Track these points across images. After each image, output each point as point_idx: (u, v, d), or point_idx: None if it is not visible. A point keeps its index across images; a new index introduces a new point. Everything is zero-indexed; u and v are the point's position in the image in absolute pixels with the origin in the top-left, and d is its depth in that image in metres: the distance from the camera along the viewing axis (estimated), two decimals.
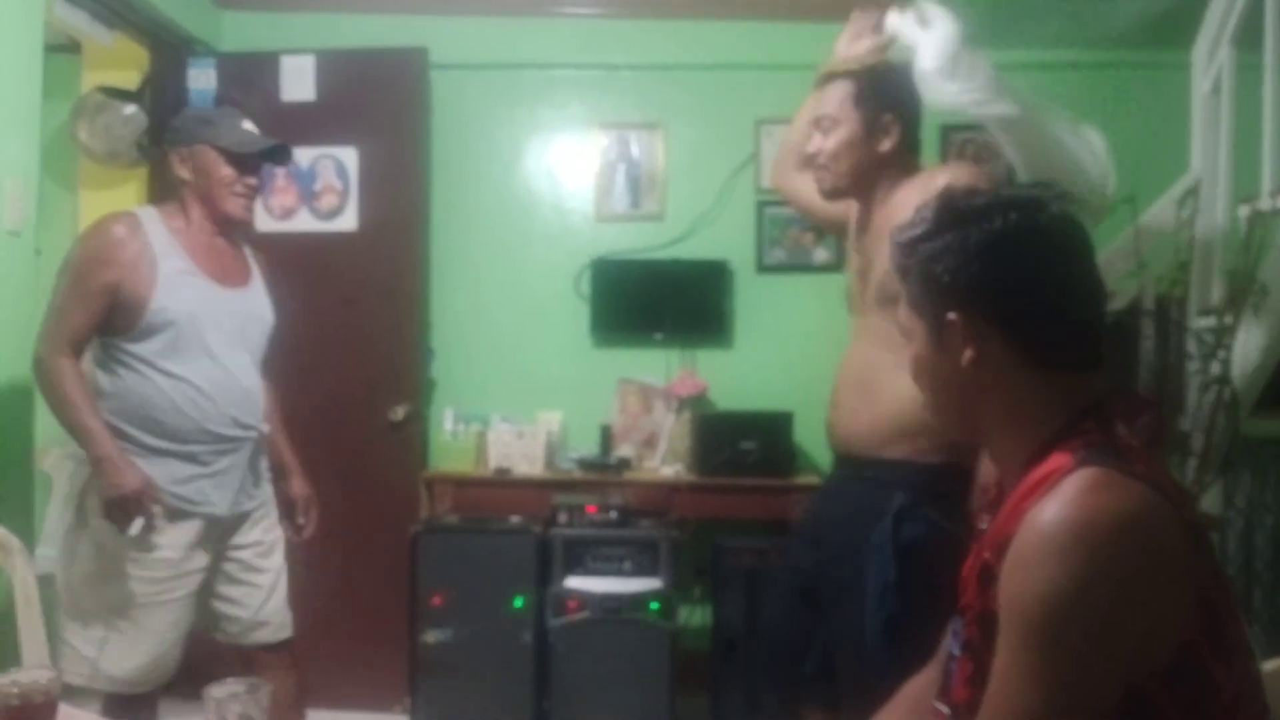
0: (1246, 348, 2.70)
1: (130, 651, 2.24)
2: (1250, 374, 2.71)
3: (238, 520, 2.38)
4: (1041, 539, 1.01)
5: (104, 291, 2.19)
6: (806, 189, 2.34)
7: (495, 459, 3.62)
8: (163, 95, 3.68)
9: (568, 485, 3.50)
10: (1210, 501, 2.91)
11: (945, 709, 1.21)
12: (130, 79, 3.73)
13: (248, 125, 2.38)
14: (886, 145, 2.02)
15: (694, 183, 3.90)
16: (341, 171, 3.64)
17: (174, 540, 2.25)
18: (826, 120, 2.05)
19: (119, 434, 2.21)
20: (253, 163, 2.36)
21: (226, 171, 2.31)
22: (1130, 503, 1.01)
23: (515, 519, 3.27)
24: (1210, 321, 2.84)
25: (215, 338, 2.28)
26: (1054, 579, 0.99)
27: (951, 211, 1.17)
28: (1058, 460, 1.07)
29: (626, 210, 3.94)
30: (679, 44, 3.89)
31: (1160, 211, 3.04)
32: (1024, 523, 1.04)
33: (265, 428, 2.41)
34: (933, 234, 1.17)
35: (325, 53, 3.64)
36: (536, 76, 3.96)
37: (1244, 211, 2.82)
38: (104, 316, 2.20)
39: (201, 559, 2.31)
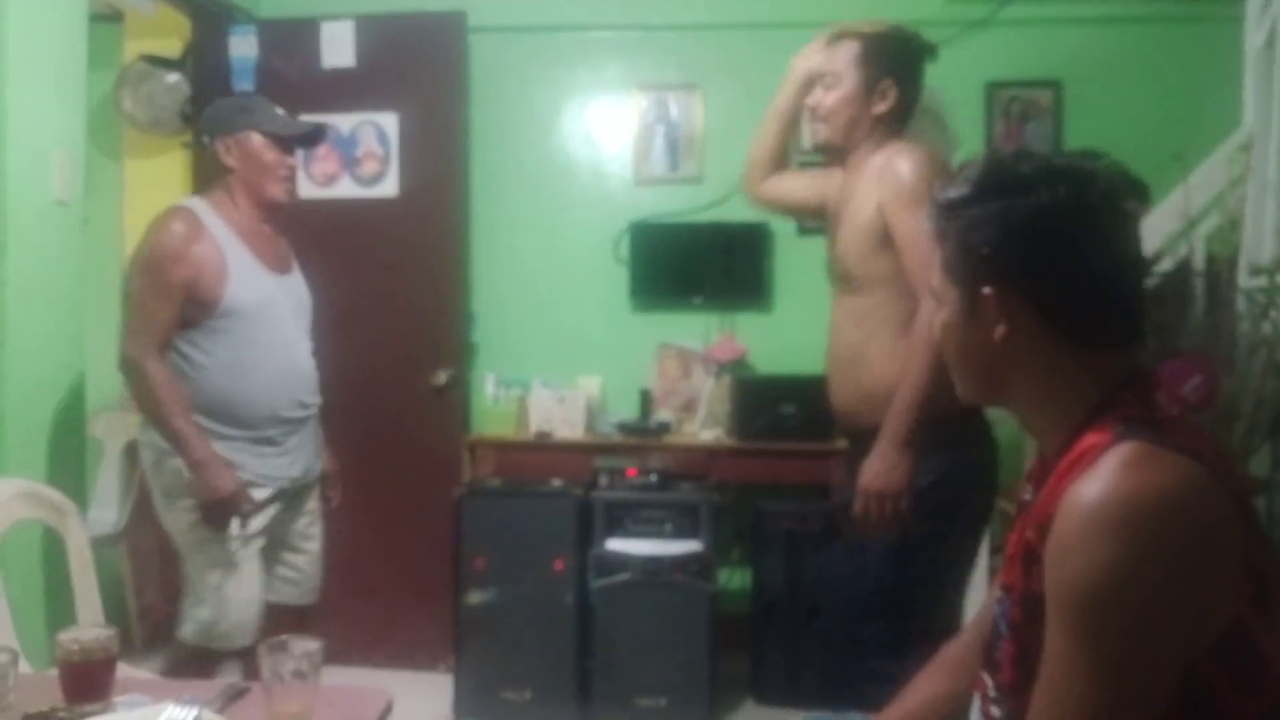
0: None
1: (238, 607, 2.36)
2: None
3: (308, 487, 2.53)
4: (1083, 520, 0.99)
5: (181, 287, 2.27)
6: (784, 186, 2.51)
7: (536, 423, 3.65)
8: (204, 63, 3.71)
9: (608, 449, 3.52)
10: (1258, 465, 2.87)
11: (989, 680, 1.19)
12: (172, 47, 3.76)
13: (280, 110, 2.47)
14: (881, 108, 2.16)
15: (733, 144, 3.83)
16: (382, 137, 3.65)
17: (261, 506, 2.37)
18: (830, 76, 2.20)
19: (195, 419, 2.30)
20: (291, 145, 2.45)
21: (271, 156, 2.39)
22: (1171, 476, 0.98)
23: (556, 482, 3.29)
24: (1262, 281, 2.78)
25: (279, 325, 2.40)
26: (1098, 562, 0.96)
27: (997, 178, 1.13)
28: (1096, 436, 1.05)
29: (665, 173, 3.92)
30: (717, 3, 3.85)
31: (1211, 169, 2.97)
32: (1063, 502, 1.01)
33: (318, 403, 2.52)
34: (974, 199, 1.14)
35: (364, 18, 3.65)
36: (574, 39, 3.94)
37: None
38: (183, 312, 2.28)
39: (273, 522, 2.44)
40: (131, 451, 3.70)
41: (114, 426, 3.74)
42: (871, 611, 2.16)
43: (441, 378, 3.57)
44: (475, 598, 3.15)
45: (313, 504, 2.59)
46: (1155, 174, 3.18)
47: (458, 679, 3.20)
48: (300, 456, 2.45)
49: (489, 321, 3.92)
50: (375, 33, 3.63)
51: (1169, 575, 0.96)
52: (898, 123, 2.20)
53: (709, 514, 3.16)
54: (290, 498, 2.48)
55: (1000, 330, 1.12)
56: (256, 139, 2.38)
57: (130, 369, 2.28)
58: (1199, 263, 2.96)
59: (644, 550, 3.14)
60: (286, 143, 2.42)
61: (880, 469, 2.01)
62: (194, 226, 2.30)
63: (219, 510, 2.26)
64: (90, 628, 1.44)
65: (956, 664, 1.38)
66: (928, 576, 2.09)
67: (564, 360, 3.87)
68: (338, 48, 3.63)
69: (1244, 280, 2.85)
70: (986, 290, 1.12)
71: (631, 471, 3.26)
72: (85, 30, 2.74)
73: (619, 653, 3.13)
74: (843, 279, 2.22)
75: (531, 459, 3.58)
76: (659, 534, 3.16)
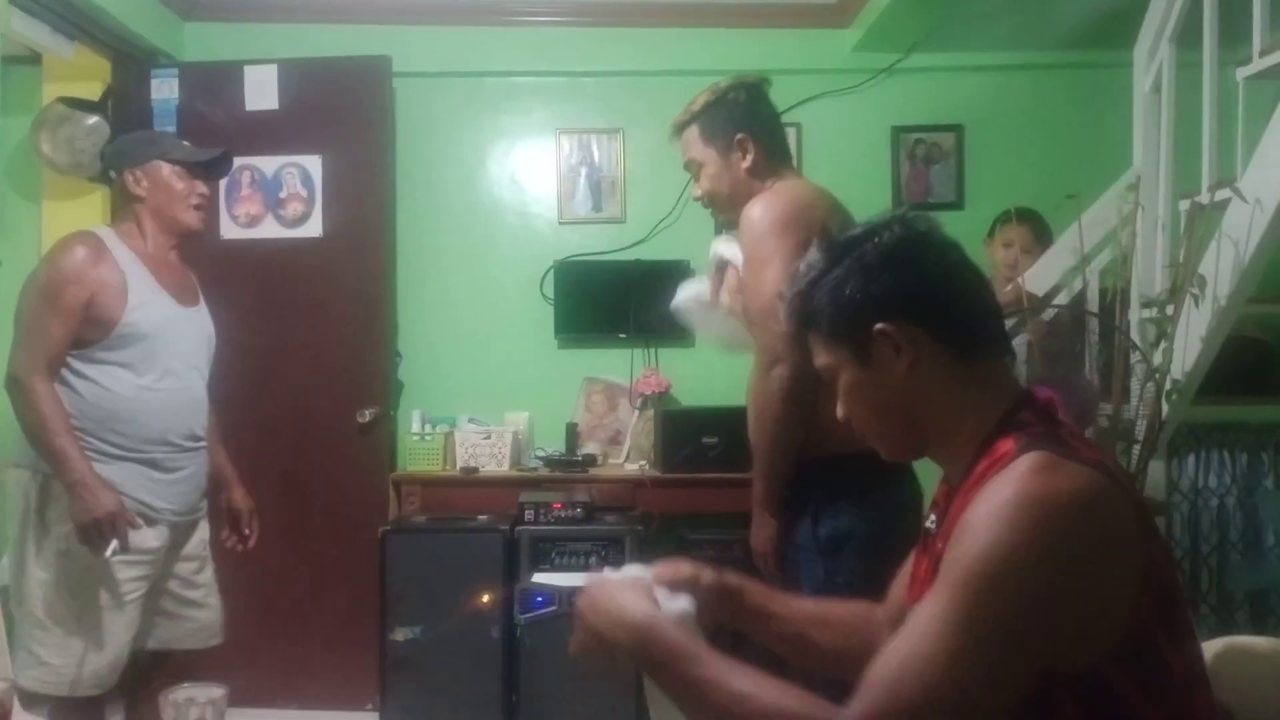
0: (1188, 338, 2.78)
1: (99, 654, 2.29)
2: (1193, 363, 2.79)
3: (190, 527, 2.49)
4: (988, 510, 1.02)
5: (77, 309, 2.27)
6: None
7: (463, 459, 3.67)
8: (125, 106, 3.70)
9: (534, 483, 3.56)
10: (1154, 487, 3.00)
11: None
12: (92, 90, 3.74)
13: (186, 144, 2.52)
14: (747, 162, 2.18)
15: (654, 186, 3.97)
16: (306, 179, 3.68)
17: (143, 543, 2.32)
18: (692, 165, 2.25)
19: (82, 437, 2.27)
20: (201, 173, 2.48)
21: (181, 184, 2.43)
22: (1077, 483, 1.02)
23: (483, 517, 3.32)
24: (1152, 313, 2.92)
25: (176, 353, 2.40)
26: (999, 541, 0.99)
27: (837, 244, 1.23)
28: (1004, 446, 1.09)
29: (589, 213, 4.00)
30: (639, 51, 3.96)
31: (1103, 207, 3.13)
32: (974, 502, 1.05)
33: (205, 440, 2.51)
34: (829, 268, 1.21)
35: (288, 62, 3.68)
36: (499, 84, 4.02)
37: (1184, 205, 2.91)
38: (77, 333, 2.28)
39: (156, 565, 2.39)
40: None
41: (21, 477, 3.65)
42: None
43: (367, 415, 3.58)
44: (401, 634, 3.15)
45: (198, 547, 2.54)
46: (1052, 212, 3.38)
47: (383, 717, 3.18)
48: (186, 490, 2.44)
49: (416, 359, 3.94)
50: (299, 76, 3.66)
51: (1058, 573, 0.98)
52: (771, 164, 2.22)
53: (634, 545, 3.21)
54: (175, 533, 2.44)
55: (905, 361, 1.16)
56: (165, 168, 2.42)
57: (15, 386, 2.26)
58: (1093, 295, 3.11)
59: (570, 583, 3.16)
60: (195, 170, 2.46)
61: (753, 529, 2.13)
62: (97, 250, 2.32)
63: (96, 530, 2.21)
64: None
65: (860, 619, 1.39)
66: None
67: (491, 396, 3.90)
68: (261, 91, 3.65)
69: (1135, 312, 3.00)
70: (879, 326, 1.16)
71: (557, 505, 3.29)
72: (0, 73, 2.73)
73: (546, 686, 3.14)
74: (744, 316, 2.25)
75: (458, 495, 3.59)
76: (585, 566, 3.20)
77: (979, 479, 1.09)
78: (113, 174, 2.47)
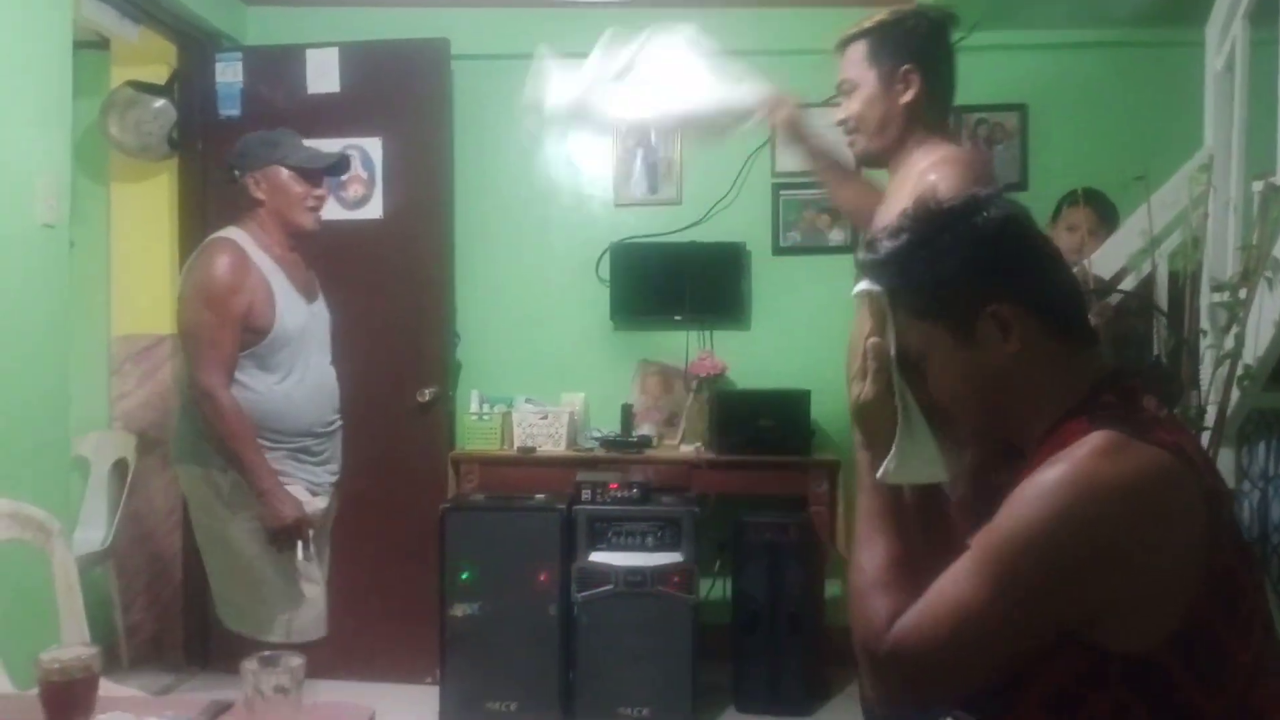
0: (1260, 321, 2.72)
1: (303, 607, 2.52)
2: (1265, 348, 2.73)
3: (334, 489, 2.69)
4: (1040, 480, 1.03)
5: (240, 317, 2.41)
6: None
7: (520, 439, 3.70)
8: (191, 89, 3.77)
9: (590, 463, 3.58)
10: (1224, 474, 2.94)
11: None
12: (158, 74, 3.81)
13: (306, 143, 2.60)
14: (909, 97, 1.96)
15: (711, 168, 3.95)
16: (367, 161, 3.72)
17: (316, 506, 2.55)
18: (847, 84, 2.03)
19: None
20: (318, 175, 2.57)
21: (299, 188, 2.52)
22: (1135, 465, 1.01)
23: (540, 496, 3.35)
24: (1224, 297, 2.86)
25: (312, 349, 2.56)
26: (1033, 514, 1.02)
27: (939, 214, 1.18)
28: (1077, 426, 1.08)
29: (645, 196, 4.00)
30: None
31: (1173, 188, 3.06)
32: (1031, 474, 1.06)
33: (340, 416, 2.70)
34: (925, 238, 1.17)
35: (349, 45, 3.71)
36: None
37: (1257, 187, 2.84)
38: (242, 338, 2.42)
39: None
40: (119, 469, 3.74)
41: (102, 445, 3.78)
42: None
43: (426, 395, 3.63)
44: (461, 610, 3.20)
45: (334, 507, 2.73)
46: (1119, 194, 3.31)
47: (443, 691, 3.24)
48: (333, 464, 2.65)
49: (473, 340, 3.98)
50: (360, 59, 3.70)
51: (1091, 550, 1.00)
52: (936, 112, 2.01)
53: (690, 526, 3.22)
54: (329, 497, 2.65)
55: (1013, 344, 1.13)
56: (284, 173, 2.50)
57: (204, 400, 2.40)
58: (1162, 279, 3.05)
59: (626, 562, 3.19)
60: (312, 174, 2.54)
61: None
62: (241, 257, 2.43)
63: (284, 535, 2.42)
64: (71, 647, 1.42)
65: None
66: None
67: (547, 377, 3.93)
68: (323, 74, 3.69)
69: (1206, 296, 2.94)
70: (991, 308, 1.13)
71: (614, 485, 3.31)
72: (70, 57, 2.80)
73: (602, 663, 3.17)
74: None
75: (515, 474, 3.63)
76: (641, 546, 3.22)
77: (1049, 452, 1.08)
78: (236, 174, 2.53)
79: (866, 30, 2.02)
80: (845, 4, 3.86)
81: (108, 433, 3.81)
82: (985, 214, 1.16)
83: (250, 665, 1.32)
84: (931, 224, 1.18)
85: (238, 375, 2.43)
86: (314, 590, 2.54)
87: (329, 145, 3.60)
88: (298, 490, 2.49)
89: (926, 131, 1.97)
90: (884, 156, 2.02)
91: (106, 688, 1.44)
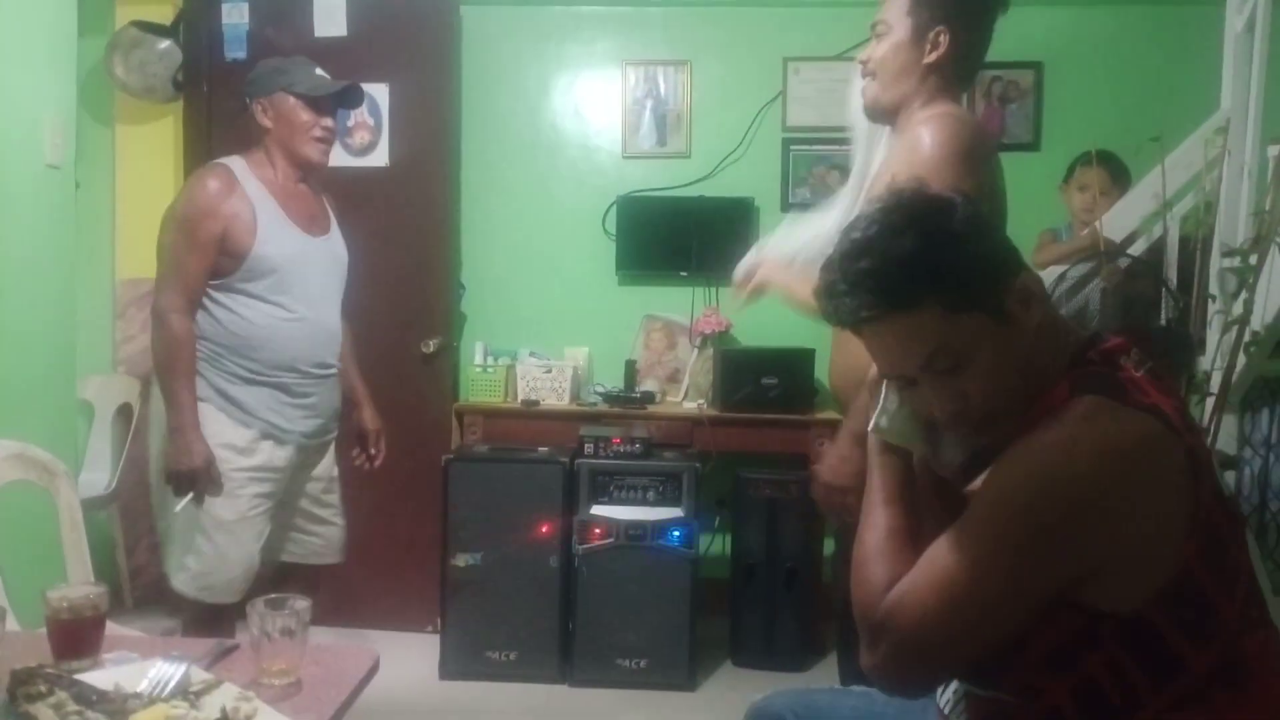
0: (1270, 288, 2.70)
1: (228, 564, 2.39)
2: (1273, 315, 2.72)
3: (321, 448, 2.57)
4: (1025, 449, 1.06)
5: (212, 242, 2.33)
6: None
7: (524, 391, 3.71)
8: (196, 30, 3.73)
9: (593, 418, 3.59)
10: (1226, 441, 2.94)
11: None
12: (164, 14, 3.77)
13: (320, 71, 2.49)
14: (933, 57, 1.95)
15: (721, 120, 3.91)
16: (374, 108, 3.67)
17: (270, 461, 2.42)
18: (882, 25, 2.01)
19: (217, 360, 2.36)
20: (327, 106, 2.47)
21: (305, 116, 2.43)
22: (1122, 430, 1.04)
23: (543, 449, 3.36)
24: (1234, 262, 2.84)
25: (308, 283, 2.45)
26: (1025, 478, 1.04)
27: (926, 209, 1.15)
28: (1059, 391, 1.11)
29: (653, 148, 3.96)
30: None
31: (1188, 150, 3.03)
32: (1020, 441, 1.08)
33: (339, 366, 2.58)
34: (938, 230, 1.12)
35: None
36: (565, 13, 3.97)
37: (1273, 151, 2.81)
38: (214, 264, 2.34)
39: (282, 483, 2.47)
40: (124, 414, 3.75)
41: (106, 389, 3.78)
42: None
43: (431, 346, 3.62)
44: (462, 560, 3.22)
45: (327, 467, 2.62)
46: (1132, 155, 3.28)
47: (444, 639, 3.27)
48: (314, 415, 2.50)
49: (478, 291, 3.97)
50: (368, 3, 3.64)
51: (1082, 513, 1.02)
52: (954, 80, 2.00)
53: (691, 481, 3.23)
54: (303, 454, 2.51)
55: (1037, 312, 1.13)
56: (290, 100, 2.42)
57: (156, 320, 2.34)
58: (1173, 242, 3.03)
59: (627, 516, 3.21)
60: (320, 103, 2.45)
61: (833, 461, 1.89)
62: (228, 182, 2.36)
63: (179, 480, 2.31)
64: (79, 585, 1.43)
65: None
66: None
67: (552, 331, 3.93)
68: (330, 17, 3.64)
69: (1216, 261, 2.92)
70: (1018, 282, 1.13)
71: (617, 440, 3.32)
72: None
73: (602, 615, 3.20)
74: None
75: (518, 426, 3.64)
76: (642, 500, 3.23)
77: (1029, 423, 1.10)
78: (246, 100, 2.46)
79: None
80: None
81: (112, 376, 3.82)
82: (960, 201, 1.16)
83: (256, 607, 1.32)
84: (927, 220, 1.13)
85: (219, 297, 2.35)
86: (236, 552, 2.38)
87: None
88: (248, 437, 2.38)
89: (936, 93, 1.96)
90: (891, 110, 2.01)
91: (111, 628, 1.44)
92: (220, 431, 2.36)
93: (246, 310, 2.37)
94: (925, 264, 1.09)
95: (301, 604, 1.34)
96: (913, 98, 1.97)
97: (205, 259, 2.33)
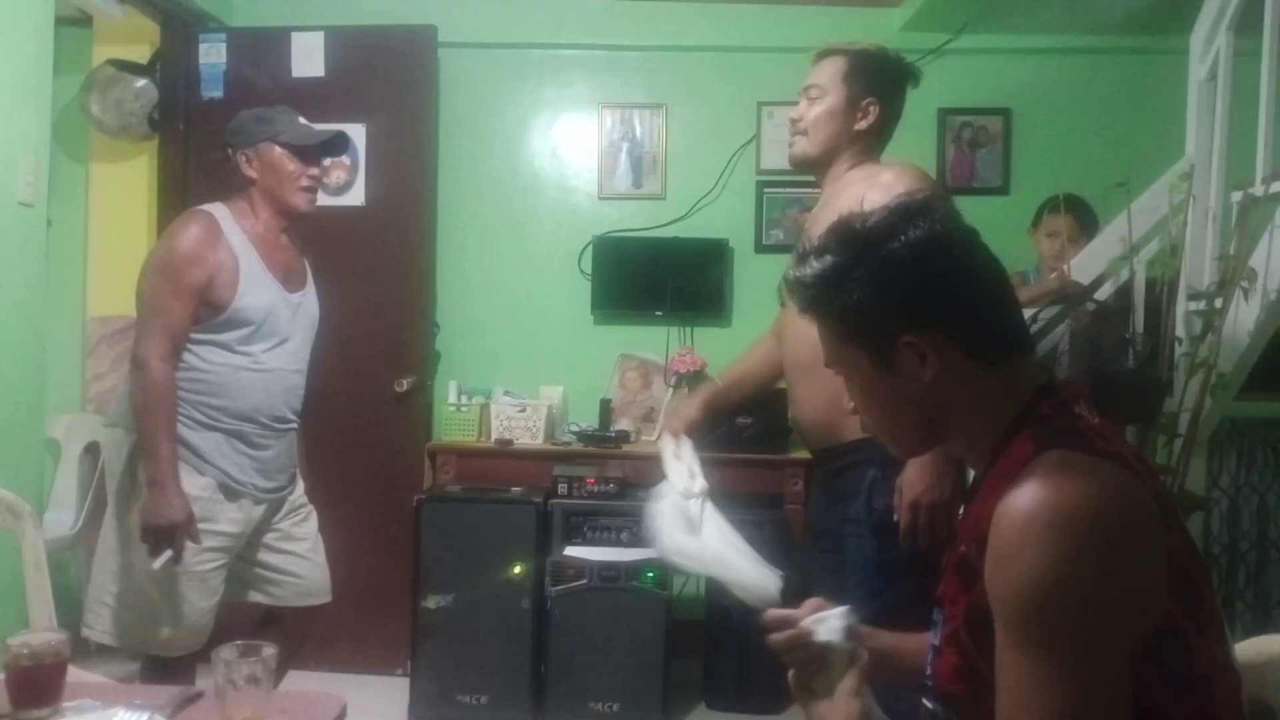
0: (1235, 331, 2.74)
1: (176, 621, 2.32)
2: (1238, 357, 2.75)
3: (278, 503, 2.51)
4: (1015, 529, 1.01)
5: (196, 288, 2.29)
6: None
7: (497, 430, 3.69)
8: (173, 69, 3.74)
9: (567, 457, 3.57)
10: (1195, 482, 2.97)
11: (931, 704, 1.19)
12: (141, 53, 3.77)
13: (304, 120, 2.48)
14: (863, 125, 2.16)
15: (696, 163, 3.95)
16: (350, 148, 3.68)
17: (229, 517, 2.36)
18: (815, 89, 2.19)
19: (177, 404, 2.30)
20: (314, 155, 2.46)
21: (292, 166, 2.41)
22: (1094, 479, 1.01)
23: (516, 489, 3.34)
24: (1200, 305, 2.88)
25: (276, 338, 2.42)
26: (1036, 567, 0.98)
27: (858, 237, 1.16)
28: (1019, 447, 1.08)
29: (629, 189, 3.99)
30: (682, 26, 3.94)
31: (1154, 196, 3.08)
32: (995, 515, 1.04)
33: (298, 421, 2.54)
34: (851, 263, 1.15)
35: (335, 29, 3.69)
36: (543, 56, 4.01)
37: (1236, 197, 2.86)
38: (196, 312, 2.30)
39: (242, 536, 2.42)
40: (91, 453, 3.70)
41: (74, 428, 3.74)
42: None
43: (405, 384, 3.61)
44: (433, 602, 3.18)
45: (292, 508, 2.56)
46: (1100, 200, 3.33)
47: (414, 683, 3.22)
48: (271, 469, 2.46)
49: (454, 330, 3.96)
50: (346, 44, 3.67)
51: (1104, 571, 0.98)
52: (876, 143, 2.20)
53: None
54: (262, 511, 2.47)
55: (929, 371, 1.13)
56: (276, 149, 2.40)
57: (141, 368, 2.28)
58: (1140, 286, 3.07)
59: (601, 557, 3.19)
60: (307, 152, 2.44)
61: (928, 480, 1.92)
62: (212, 230, 2.33)
63: (155, 536, 2.23)
64: (41, 632, 1.41)
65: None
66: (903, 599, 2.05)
67: (527, 369, 3.92)
68: (308, 58, 3.66)
69: (1183, 304, 2.96)
70: (906, 339, 1.12)
71: (591, 480, 3.31)
72: (52, 33, 2.76)
73: (574, 658, 3.17)
74: None
75: (492, 466, 3.62)
76: (616, 541, 3.22)
77: (999, 477, 1.08)
78: (229, 151, 2.44)
79: (849, 51, 2.20)
80: (824, 3, 3.88)
81: (80, 415, 3.78)
82: (904, 237, 1.14)
83: (222, 654, 1.30)
84: (849, 248, 1.16)
85: (191, 348, 2.32)
86: (205, 601, 2.34)
87: None
88: (208, 488, 2.32)
89: (862, 154, 2.17)
90: (816, 165, 2.21)
91: (73, 673, 1.41)
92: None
93: (213, 356, 2.34)
94: (824, 287, 1.16)
95: (268, 651, 1.32)
96: (841, 158, 2.17)
97: (189, 305, 2.29)
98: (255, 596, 2.53)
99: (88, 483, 3.68)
